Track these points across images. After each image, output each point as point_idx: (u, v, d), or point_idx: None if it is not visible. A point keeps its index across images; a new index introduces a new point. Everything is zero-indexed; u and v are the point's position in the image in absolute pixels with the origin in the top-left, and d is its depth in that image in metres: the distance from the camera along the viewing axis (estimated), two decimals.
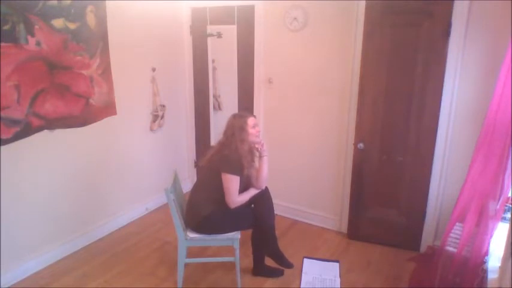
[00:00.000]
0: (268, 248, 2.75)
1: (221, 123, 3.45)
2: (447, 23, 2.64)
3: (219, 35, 3.72)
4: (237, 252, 2.54)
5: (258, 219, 2.56)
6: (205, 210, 2.45)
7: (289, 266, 2.77)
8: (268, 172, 2.65)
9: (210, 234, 2.50)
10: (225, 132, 2.54)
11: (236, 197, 2.47)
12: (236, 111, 3.77)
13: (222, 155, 2.47)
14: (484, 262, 2.11)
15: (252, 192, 2.59)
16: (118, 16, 3.12)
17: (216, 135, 3.90)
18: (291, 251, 3.08)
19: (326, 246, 3.22)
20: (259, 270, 2.76)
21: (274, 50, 3.42)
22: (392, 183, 3.07)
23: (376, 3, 2.80)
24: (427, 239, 3.07)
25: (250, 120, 2.52)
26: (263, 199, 2.64)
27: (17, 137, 2.55)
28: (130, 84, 3.36)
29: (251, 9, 3.45)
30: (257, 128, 2.57)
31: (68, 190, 2.98)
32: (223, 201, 2.49)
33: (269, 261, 2.79)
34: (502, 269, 1.91)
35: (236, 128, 2.48)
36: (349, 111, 3.14)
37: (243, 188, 2.57)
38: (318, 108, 3.32)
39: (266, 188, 2.71)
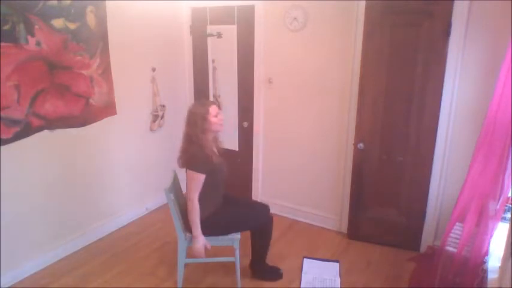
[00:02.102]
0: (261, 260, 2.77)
1: None
2: (447, 23, 2.64)
3: (219, 35, 3.72)
4: (237, 252, 2.54)
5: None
6: (201, 214, 2.42)
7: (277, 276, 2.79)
8: None
9: (209, 236, 2.49)
10: (188, 122, 2.42)
11: (195, 197, 2.35)
12: (236, 111, 3.78)
13: (189, 154, 2.39)
14: (484, 262, 2.11)
15: (196, 223, 2.40)
16: (118, 16, 3.12)
17: None
18: (291, 251, 3.08)
19: (326, 246, 3.21)
20: (259, 270, 2.76)
21: (274, 50, 3.42)
22: (393, 183, 3.07)
23: (376, 3, 2.80)
24: (427, 239, 3.07)
25: (212, 109, 2.42)
26: (264, 233, 2.65)
27: (17, 137, 2.55)
28: (130, 84, 3.36)
29: (251, 9, 3.45)
30: (219, 116, 2.46)
31: (68, 190, 2.98)
32: (217, 202, 2.49)
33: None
34: (502, 269, 1.91)
35: (198, 117, 2.37)
36: (349, 111, 3.14)
37: (220, 180, 2.51)
38: (318, 108, 3.32)
39: (271, 222, 2.69)
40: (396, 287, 2.70)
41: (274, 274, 2.78)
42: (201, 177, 2.36)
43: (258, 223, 2.62)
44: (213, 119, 2.40)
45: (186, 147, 2.43)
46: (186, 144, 2.43)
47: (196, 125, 2.37)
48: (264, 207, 2.70)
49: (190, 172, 2.37)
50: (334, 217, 3.45)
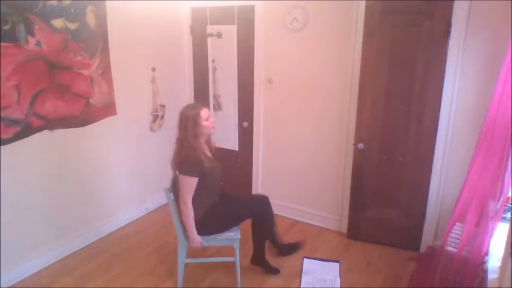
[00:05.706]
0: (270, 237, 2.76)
1: (221, 124, 3.45)
2: (447, 23, 2.64)
3: (219, 35, 3.72)
4: (237, 252, 2.54)
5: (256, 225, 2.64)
6: (197, 215, 2.41)
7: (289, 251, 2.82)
8: None
9: (208, 235, 2.49)
10: (179, 125, 2.40)
11: (188, 200, 2.35)
12: (236, 111, 3.78)
13: (181, 157, 2.37)
14: (484, 262, 2.11)
15: (191, 225, 2.41)
16: (118, 16, 3.12)
17: (215, 135, 3.89)
18: None
19: (326, 246, 3.21)
20: (258, 260, 2.77)
21: (274, 50, 3.42)
22: (393, 183, 3.07)
23: (376, 3, 2.79)
24: (427, 239, 3.07)
25: (204, 113, 2.39)
26: (264, 221, 2.65)
27: (17, 137, 2.55)
28: (130, 84, 3.36)
29: (251, 9, 3.45)
30: (211, 119, 2.45)
31: (68, 190, 2.98)
32: (211, 201, 2.48)
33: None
34: (502, 269, 1.92)
35: (189, 121, 2.34)
36: (349, 111, 3.14)
37: (213, 182, 2.50)
38: (318, 108, 3.32)
39: (269, 206, 2.68)
40: (396, 287, 2.70)
41: (293, 249, 2.82)
42: (193, 181, 2.35)
43: (254, 211, 2.60)
44: (204, 123, 2.38)
45: (178, 151, 2.42)
46: (179, 148, 2.42)
47: (187, 130, 2.35)
48: (262, 196, 2.70)
49: (182, 176, 2.36)
50: (334, 217, 3.45)
